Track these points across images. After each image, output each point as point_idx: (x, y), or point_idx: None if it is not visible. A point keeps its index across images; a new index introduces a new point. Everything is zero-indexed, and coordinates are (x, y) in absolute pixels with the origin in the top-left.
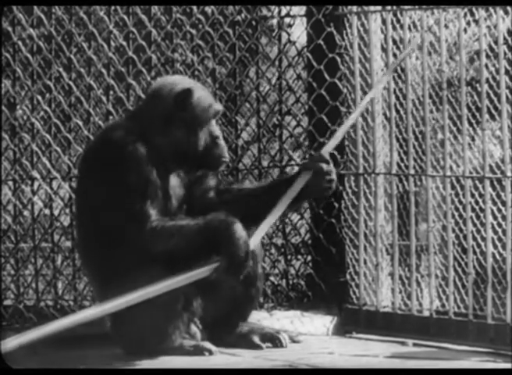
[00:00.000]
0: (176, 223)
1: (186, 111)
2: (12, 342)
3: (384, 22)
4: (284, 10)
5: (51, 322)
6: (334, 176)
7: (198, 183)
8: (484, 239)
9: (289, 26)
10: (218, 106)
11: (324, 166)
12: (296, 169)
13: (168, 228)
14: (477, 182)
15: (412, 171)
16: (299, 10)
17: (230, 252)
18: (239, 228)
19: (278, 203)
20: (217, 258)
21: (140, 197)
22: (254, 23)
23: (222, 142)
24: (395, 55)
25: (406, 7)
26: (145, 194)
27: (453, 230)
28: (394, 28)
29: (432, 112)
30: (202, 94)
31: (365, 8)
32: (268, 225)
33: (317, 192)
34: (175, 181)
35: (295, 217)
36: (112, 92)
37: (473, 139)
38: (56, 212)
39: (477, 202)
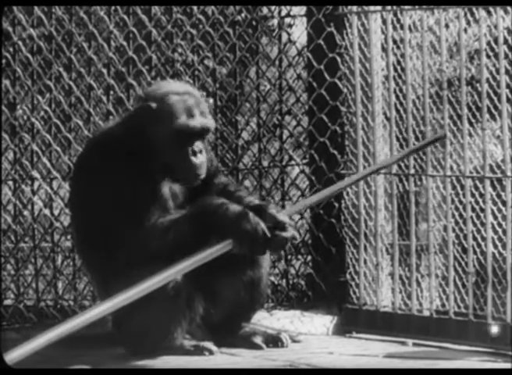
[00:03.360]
0: (169, 218)
1: (154, 124)
2: (16, 353)
3: (384, 22)
4: (284, 10)
5: (54, 327)
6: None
7: (203, 182)
8: (484, 239)
9: (290, 26)
10: (195, 123)
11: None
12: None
13: (162, 224)
14: (477, 182)
15: (412, 171)
16: (299, 10)
17: (232, 230)
18: (230, 206)
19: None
20: (225, 240)
21: (132, 202)
22: (254, 23)
23: (199, 159)
24: (395, 55)
25: (406, 7)
26: (137, 198)
27: (454, 230)
28: (394, 28)
29: (432, 111)
30: (176, 109)
31: (365, 8)
32: None
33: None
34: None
35: (295, 217)
36: (112, 92)
37: (473, 138)
38: (56, 212)
39: (477, 202)
